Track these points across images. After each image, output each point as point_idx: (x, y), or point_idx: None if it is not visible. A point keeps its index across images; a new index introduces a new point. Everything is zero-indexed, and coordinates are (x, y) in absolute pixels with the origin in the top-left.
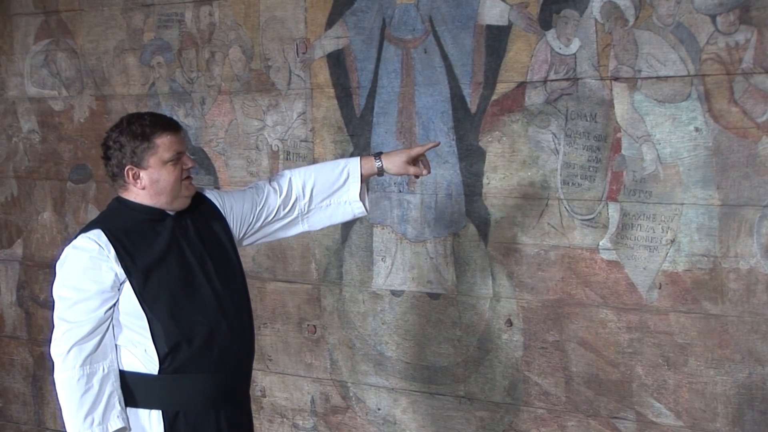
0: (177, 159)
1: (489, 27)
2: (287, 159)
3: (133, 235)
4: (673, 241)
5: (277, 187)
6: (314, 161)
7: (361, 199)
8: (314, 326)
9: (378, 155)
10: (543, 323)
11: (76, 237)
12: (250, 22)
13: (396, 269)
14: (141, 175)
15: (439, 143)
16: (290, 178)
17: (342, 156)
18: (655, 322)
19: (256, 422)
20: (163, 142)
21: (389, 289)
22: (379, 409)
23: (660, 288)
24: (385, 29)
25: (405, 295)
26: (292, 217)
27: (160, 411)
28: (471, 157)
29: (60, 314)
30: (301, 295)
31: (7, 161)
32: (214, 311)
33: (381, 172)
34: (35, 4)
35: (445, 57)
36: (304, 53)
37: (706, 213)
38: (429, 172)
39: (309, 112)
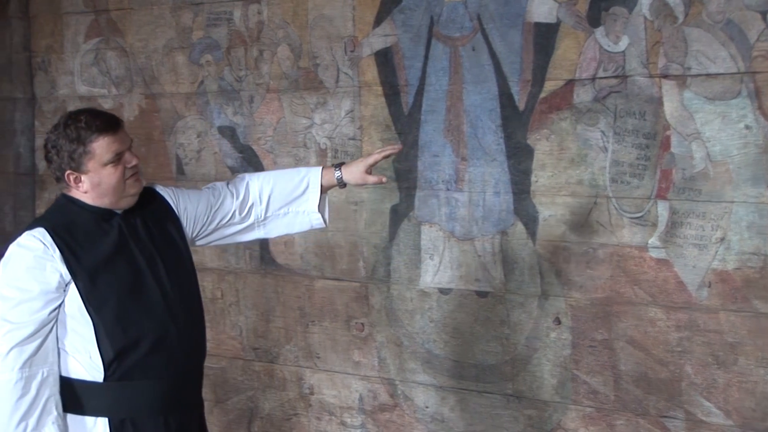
0: (117, 159)
1: (537, 24)
2: (335, 157)
3: (79, 235)
4: (722, 239)
5: (234, 191)
6: None
7: (320, 210)
8: (362, 324)
9: (339, 166)
10: (592, 321)
11: (20, 234)
12: (299, 21)
13: (444, 267)
14: (82, 178)
15: (400, 148)
16: (248, 183)
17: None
18: (705, 321)
19: (303, 420)
20: (100, 146)
21: (437, 287)
22: (427, 407)
23: (709, 286)
24: (433, 27)
25: (453, 293)
26: (248, 222)
27: (107, 418)
28: (519, 155)
29: (2, 314)
30: (349, 293)
31: None
32: (163, 315)
33: (342, 183)
34: (85, 3)
35: (493, 55)
36: (352, 51)
37: (756, 211)
38: (386, 180)
39: (357, 110)
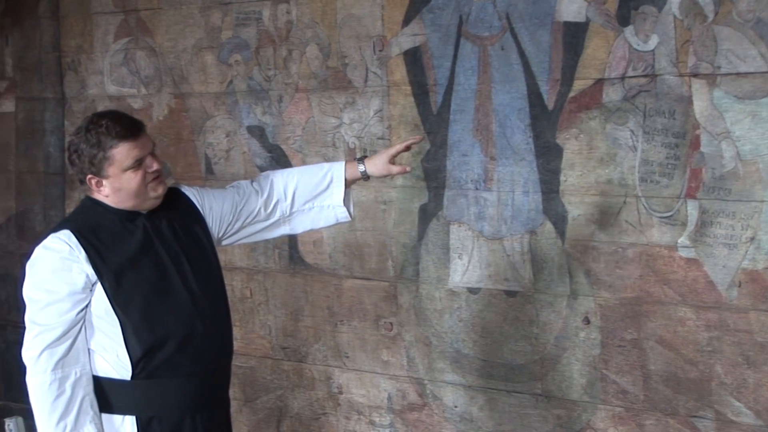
0: (138, 165)
1: (566, 23)
2: (364, 156)
3: (104, 236)
4: (752, 238)
5: (258, 188)
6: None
7: (345, 204)
8: (391, 323)
9: (362, 159)
10: (621, 321)
11: (46, 236)
12: (328, 20)
13: (473, 267)
14: (103, 183)
15: (421, 138)
16: (272, 180)
17: (418, 153)
18: (735, 321)
19: (332, 419)
20: (120, 152)
21: (466, 287)
22: (455, 407)
23: (739, 286)
24: (462, 26)
25: (482, 292)
26: (274, 219)
27: (134, 416)
28: (548, 155)
29: (31, 317)
30: (378, 293)
31: None
32: (189, 313)
33: (366, 176)
34: (115, 3)
35: (522, 54)
36: (380, 51)
37: None
38: (411, 169)
39: (386, 110)
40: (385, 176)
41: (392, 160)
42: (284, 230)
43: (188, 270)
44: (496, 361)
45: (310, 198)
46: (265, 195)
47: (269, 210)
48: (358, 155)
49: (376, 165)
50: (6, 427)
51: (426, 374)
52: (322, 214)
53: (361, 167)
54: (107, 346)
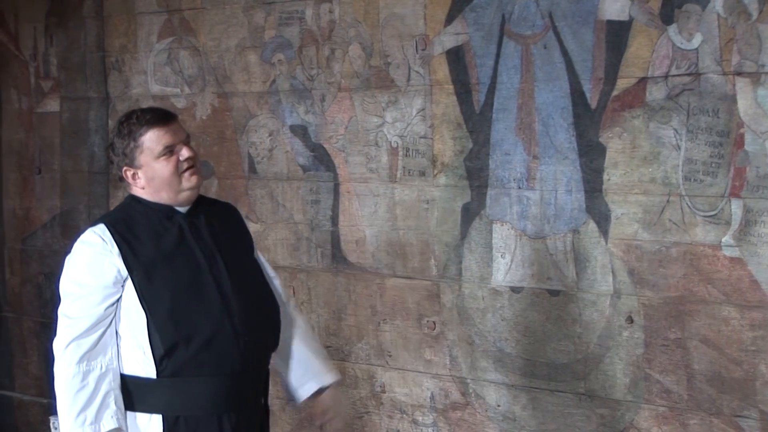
0: (170, 152)
1: (609, 22)
2: (406, 155)
3: (139, 231)
4: None
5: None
6: (433, 158)
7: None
8: (434, 322)
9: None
10: (664, 320)
11: (84, 231)
12: (370, 19)
13: (515, 266)
14: (138, 174)
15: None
16: (288, 333)
17: (461, 152)
18: None
19: (375, 418)
20: (149, 138)
21: (509, 286)
22: (498, 406)
23: None
24: (505, 25)
25: (524, 291)
26: None
27: (161, 415)
28: (591, 153)
29: (62, 309)
30: (421, 292)
31: None
32: (219, 313)
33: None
34: (158, 2)
35: (565, 53)
36: (423, 50)
37: None
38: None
39: (428, 109)
40: (311, 408)
41: (320, 416)
42: None
43: (223, 271)
44: (539, 360)
45: (282, 368)
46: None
47: None
48: (401, 154)
49: (321, 400)
50: (51, 425)
51: (469, 373)
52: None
53: (319, 387)
54: (134, 343)
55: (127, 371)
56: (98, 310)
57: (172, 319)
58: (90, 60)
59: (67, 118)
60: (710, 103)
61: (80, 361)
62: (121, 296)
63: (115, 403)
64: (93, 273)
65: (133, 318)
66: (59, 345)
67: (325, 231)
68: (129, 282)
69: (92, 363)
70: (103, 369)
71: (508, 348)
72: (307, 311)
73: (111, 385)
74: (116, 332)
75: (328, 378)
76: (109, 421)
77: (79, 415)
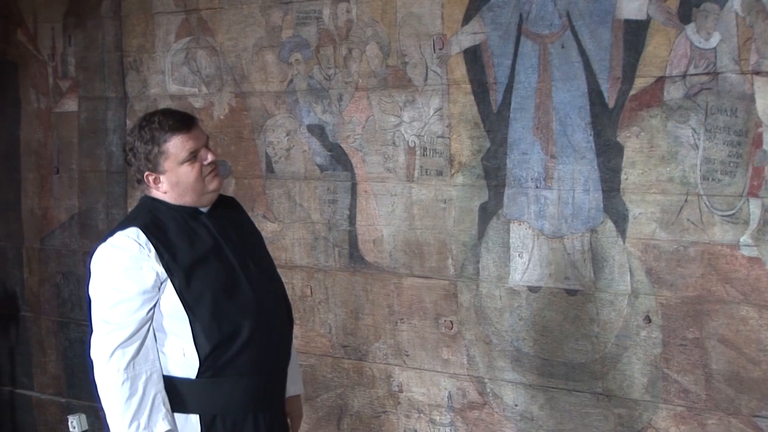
0: (193, 157)
1: (627, 21)
2: (424, 155)
3: (171, 233)
4: None
5: None
6: (451, 157)
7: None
8: (451, 322)
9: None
10: (682, 320)
11: (111, 235)
12: (387, 19)
13: (533, 265)
14: (161, 179)
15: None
16: None
17: (479, 151)
18: None
19: (393, 417)
20: (174, 145)
21: (526, 285)
22: (516, 405)
23: None
24: (522, 24)
25: (542, 291)
26: None
27: (198, 415)
28: (609, 153)
29: (101, 315)
30: (438, 291)
31: None
32: (255, 313)
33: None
34: (176, 2)
35: (582, 52)
36: (440, 49)
37: None
38: None
39: (446, 108)
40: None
41: None
42: None
43: (253, 270)
44: (557, 360)
45: None
46: None
47: None
48: (418, 153)
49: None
50: (69, 423)
51: (486, 373)
52: None
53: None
54: (174, 344)
55: (165, 372)
56: (139, 315)
57: (215, 321)
58: (108, 60)
59: (85, 117)
60: (728, 103)
61: (127, 367)
62: (159, 299)
63: (164, 404)
64: (131, 277)
65: (173, 320)
66: (103, 352)
67: (342, 230)
68: (168, 284)
69: (138, 368)
70: (149, 373)
71: (526, 347)
72: (324, 311)
73: (158, 387)
74: (156, 336)
75: (297, 388)
76: (161, 423)
77: (132, 422)
